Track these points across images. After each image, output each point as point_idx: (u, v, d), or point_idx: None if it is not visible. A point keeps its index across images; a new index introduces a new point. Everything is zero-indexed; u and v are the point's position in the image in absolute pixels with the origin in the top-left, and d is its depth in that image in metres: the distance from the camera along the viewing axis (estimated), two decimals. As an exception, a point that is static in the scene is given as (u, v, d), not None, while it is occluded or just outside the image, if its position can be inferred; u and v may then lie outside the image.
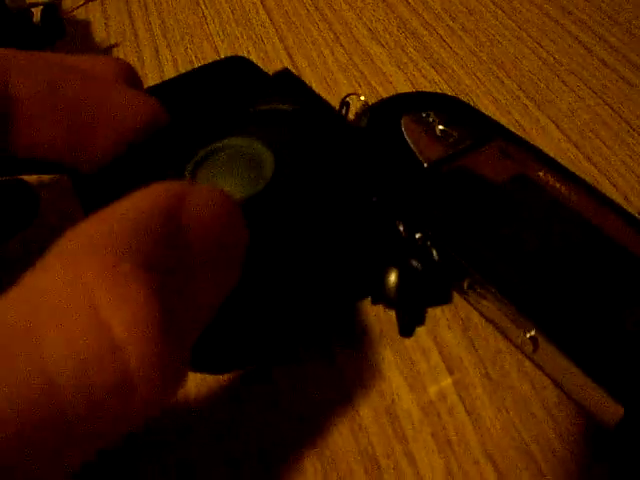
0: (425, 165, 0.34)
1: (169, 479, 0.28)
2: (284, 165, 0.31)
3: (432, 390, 0.31)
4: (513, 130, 0.40)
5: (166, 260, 0.18)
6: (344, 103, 0.38)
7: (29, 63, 0.27)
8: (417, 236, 0.32)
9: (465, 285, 0.31)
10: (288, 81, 0.38)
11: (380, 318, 0.33)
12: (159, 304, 0.17)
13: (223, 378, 0.32)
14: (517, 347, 0.30)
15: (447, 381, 0.31)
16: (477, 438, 0.29)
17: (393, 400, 0.30)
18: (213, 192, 0.22)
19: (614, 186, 0.39)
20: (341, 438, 0.29)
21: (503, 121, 0.41)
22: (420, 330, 0.33)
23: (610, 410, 0.26)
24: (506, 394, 0.30)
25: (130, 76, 0.31)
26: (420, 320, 0.33)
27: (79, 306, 0.16)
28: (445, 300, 0.34)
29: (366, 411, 0.30)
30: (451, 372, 0.31)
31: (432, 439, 0.29)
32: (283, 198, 0.29)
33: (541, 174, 0.33)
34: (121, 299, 0.16)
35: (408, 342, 0.32)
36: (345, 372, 0.32)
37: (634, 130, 0.43)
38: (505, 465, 0.28)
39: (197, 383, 0.31)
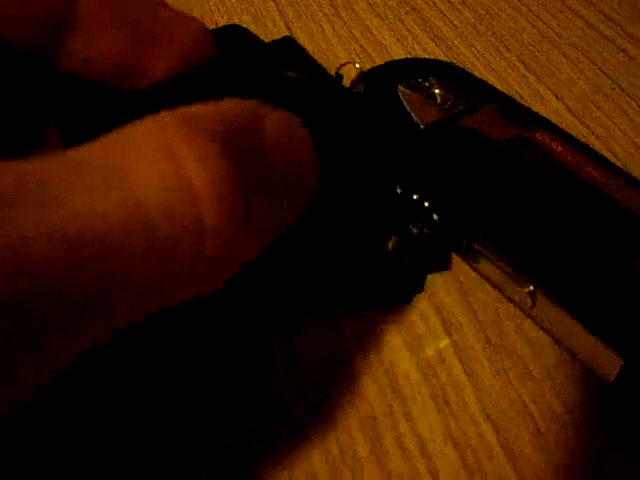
0: (421, 127, 0.34)
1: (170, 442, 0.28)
2: None
3: (430, 352, 0.31)
4: (512, 99, 0.40)
5: (248, 160, 0.19)
6: (339, 74, 0.38)
7: None
8: (415, 197, 0.32)
9: (463, 244, 0.31)
10: (289, 49, 0.38)
11: (379, 282, 0.33)
12: (239, 179, 0.18)
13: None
14: (515, 304, 0.30)
15: (446, 343, 0.31)
16: (476, 399, 0.29)
17: (391, 362, 0.31)
18: (291, 118, 0.23)
19: (613, 154, 0.39)
20: (339, 400, 0.30)
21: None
22: (419, 295, 0.33)
23: (609, 362, 0.26)
24: (505, 356, 0.30)
25: None
26: (420, 286, 0.33)
27: (165, 156, 0.17)
28: (444, 267, 0.34)
29: (364, 372, 0.30)
30: (450, 335, 0.31)
31: (430, 400, 0.29)
32: None
33: (538, 135, 0.33)
34: (204, 162, 0.18)
35: (407, 305, 0.32)
36: (344, 333, 0.31)
37: (633, 100, 0.43)
38: (504, 425, 0.28)
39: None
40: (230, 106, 0.21)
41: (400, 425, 0.29)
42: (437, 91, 0.35)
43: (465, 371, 0.30)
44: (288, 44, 0.38)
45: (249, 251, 0.20)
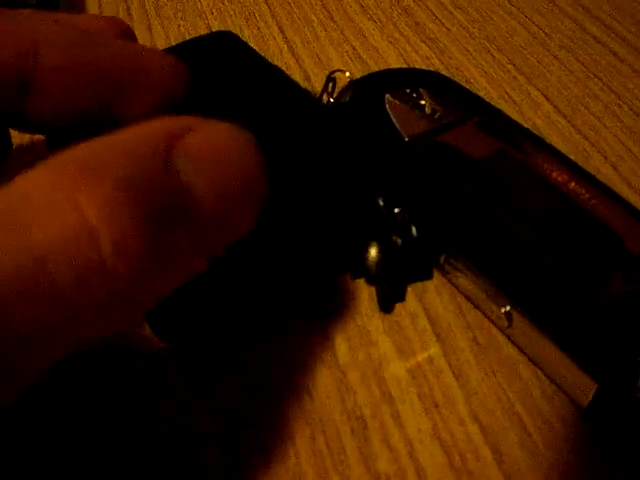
0: (406, 139, 0.34)
1: (160, 438, 0.29)
2: (264, 150, 0.31)
3: (419, 354, 0.31)
4: (504, 103, 0.41)
5: (154, 191, 0.18)
6: (330, 79, 0.38)
7: (57, 31, 0.26)
8: (396, 211, 0.32)
9: (442, 259, 0.31)
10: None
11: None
12: (143, 217, 0.18)
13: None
14: (493, 322, 0.30)
15: (434, 345, 0.31)
16: (464, 400, 0.29)
17: (380, 363, 0.31)
18: (227, 128, 0.22)
19: (604, 157, 0.39)
20: (328, 400, 0.30)
21: (494, 94, 0.42)
22: (409, 295, 0.33)
23: (584, 386, 0.26)
24: (493, 357, 0.30)
25: (129, 34, 0.31)
26: (401, 296, 0.33)
27: (63, 209, 0.17)
28: (426, 276, 0.34)
29: (353, 373, 0.30)
30: (439, 336, 0.31)
31: (419, 401, 0.29)
32: None
33: (523, 150, 0.33)
34: (104, 209, 0.17)
35: (396, 307, 0.33)
36: (333, 336, 0.32)
37: (623, 102, 0.43)
38: (491, 425, 0.28)
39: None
40: (133, 134, 0.20)
41: (388, 426, 0.29)
42: (424, 102, 0.35)
43: (453, 372, 0.30)
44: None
45: (170, 281, 0.20)
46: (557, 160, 0.32)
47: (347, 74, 0.38)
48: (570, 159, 0.32)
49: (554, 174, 0.31)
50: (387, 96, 0.36)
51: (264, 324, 0.32)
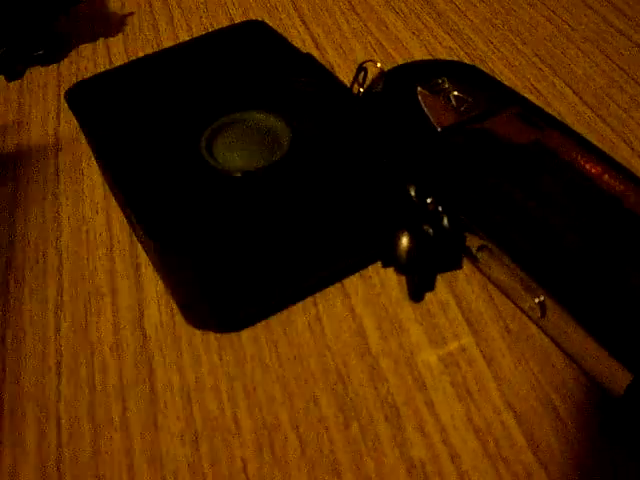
0: (438, 130, 0.34)
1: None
2: (300, 140, 0.31)
3: (451, 342, 0.31)
4: (529, 95, 0.41)
5: None
6: (361, 69, 0.38)
7: None
8: (428, 201, 0.32)
9: (474, 250, 0.31)
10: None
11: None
12: None
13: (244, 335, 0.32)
14: (525, 313, 0.30)
15: (466, 333, 0.31)
16: (497, 387, 0.29)
17: (412, 351, 0.31)
18: None
19: (630, 147, 0.39)
20: (362, 387, 0.30)
21: (519, 86, 0.42)
22: (439, 284, 0.33)
23: (618, 377, 0.26)
24: (525, 345, 0.30)
25: None
26: (430, 285, 0.33)
27: None
28: (455, 266, 0.34)
29: (386, 361, 0.30)
30: (470, 325, 0.31)
31: (452, 388, 0.29)
32: (298, 168, 0.30)
33: (555, 141, 0.33)
34: None
35: (427, 296, 0.33)
36: (365, 324, 0.32)
37: (649, 94, 0.43)
38: (525, 413, 0.28)
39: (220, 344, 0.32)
40: None
41: (421, 413, 0.29)
42: (456, 93, 0.35)
43: (486, 360, 0.30)
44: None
45: None
46: (590, 152, 0.32)
47: (378, 65, 0.38)
48: (603, 151, 0.32)
49: (587, 165, 0.31)
50: (418, 87, 0.36)
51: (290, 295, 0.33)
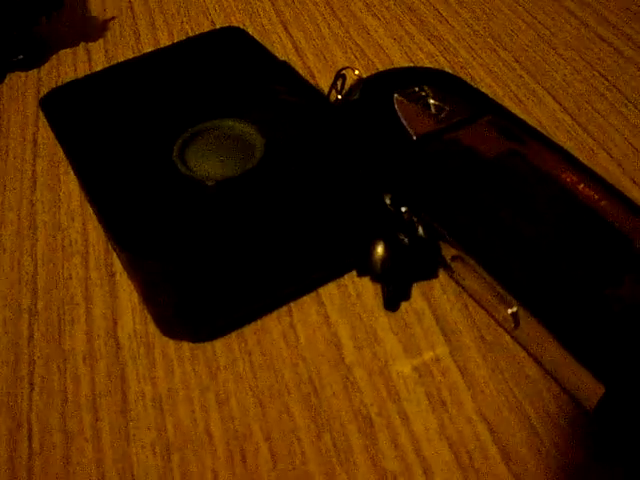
0: (414, 138, 0.34)
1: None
2: (273, 147, 0.31)
3: (426, 352, 0.31)
4: (509, 102, 0.40)
5: None
6: (339, 76, 0.38)
7: None
8: (403, 210, 0.32)
9: (449, 260, 0.31)
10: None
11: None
12: None
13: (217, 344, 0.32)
14: (499, 323, 0.30)
15: (441, 343, 0.31)
16: (471, 398, 0.29)
17: (387, 361, 0.31)
18: None
19: (609, 155, 0.39)
20: (335, 398, 0.29)
21: (499, 92, 0.42)
22: (415, 293, 0.33)
23: (591, 389, 0.26)
24: (500, 355, 0.30)
25: None
26: (405, 294, 0.33)
27: None
28: (431, 275, 0.34)
29: (360, 372, 0.30)
30: (445, 334, 0.31)
31: (426, 399, 0.29)
32: (272, 176, 0.30)
33: (532, 150, 0.33)
34: None
35: (403, 305, 0.32)
36: (339, 334, 0.32)
37: (629, 101, 0.43)
38: (499, 424, 0.28)
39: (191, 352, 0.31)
40: None
41: (395, 424, 0.29)
42: (433, 101, 0.35)
43: (460, 371, 0.30)
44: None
45: None
46: (566, 161, 0.32)
47: (356, 72, 0.37)
48: (579, 160, 0.32)
49: (563, 175, 0.31)
50: (395, 95, 0.36)
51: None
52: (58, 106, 0.35)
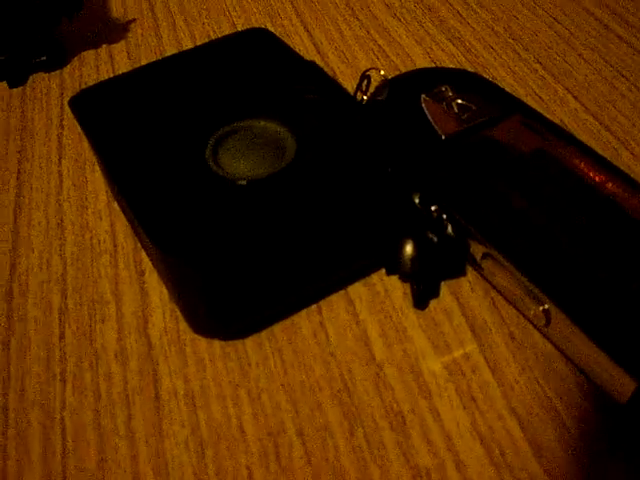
0: (443, 138, 0.34)
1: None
2: (305, 148, 0.31)
3: (455, 349, 0.31)
4: (531, 101, 0.41)
5: None
6: (365, 77, 0.38)
7: None
8: (433, 208, 0.32)
9: (478, 258, 0.31)
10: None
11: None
12: None
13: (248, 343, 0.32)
14: (529, 321, 0.30)
15: (470, 340, 0.31)
16: (501, 394, 0.29)
17: (417, 359, 0.31)
18: None
19: (632, 154, 0.39)
20: (366, 395, 0.30)
21: (521, 92, 0.42)
22: (444, 292, 0.33)
23: (623, 385, 0.26)
24: (529, 352, 0.31)
25: None
26: (434, 292, 0.33)
27: None
28: (459, 273, 0.34)
29: (390, 369, 0.30)
30: (474, 332, 0.31)
31: (457, 396, 0.30)
32: (303, 176, 0.30)
33: (559, 149, 0.33)
34: None
35: (431, 303, 0.33)
36: (369, 332, 0.32)
37: (651, 101, 0.43)
38: (529, 420, 0.28)
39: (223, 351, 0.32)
40: None
41: (427, 420, 0.29)
42: (460, 101, 0.36)
43: (490, 368, 0.30)
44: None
45: None
46: (593, 159, 0.32)
47: (382, 72, 0.38)
48: (605, 158, 0.32)
49: (591, 173, 0.31)
50: (423, 95, 0.36)
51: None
52: (88, 106, 0.36)
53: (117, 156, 0.32)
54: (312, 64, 0.36)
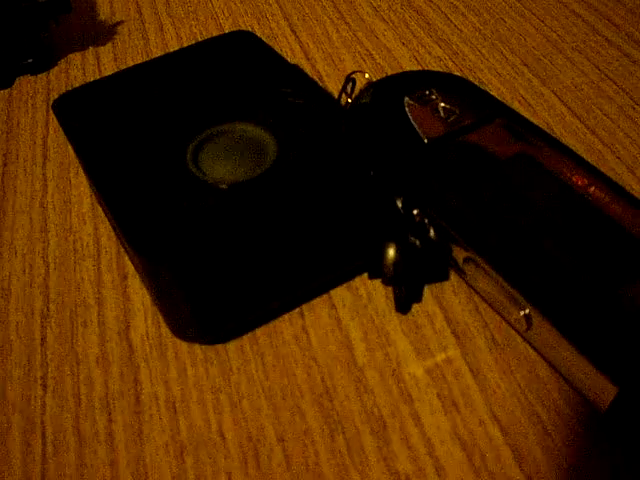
0: (425, 141, 0.34)
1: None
2: (287, 151, 0.31)
3: (437, 354, 0.31)
4: (517, 104, 0.41)
5: None
6: (349, 79, 0.38)
7: None
8: (415, 212, 0.32)
9: (460, 262, 0.31)
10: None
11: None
12: None
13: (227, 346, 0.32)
14: (511, 325, 0.30)
15: (452, 345, 0.31)
16: (483, 399, 0.29)
17: (399, 363, 0.31)
18: None
19: (618, 158, 0.39)
20: (347, 400, 0.30)
21: (507, 96, 0.42)
22: (426, 296, 0.33)
23: (604, 390, 0.26)
24: (511, 357, 0.30)
25: None
26: (417, 297, 0.33)
27: None
28: (442, 277, 0.34)
29: (372, 373, 0.30)
30: (456, 336, 0.31)
31: (438, 400, 0.29)
32: (284, 180, 0.30)
33: (542, 153, 0.33)
34: None
35: (414, 307, 0.33)
36: (351, 336, 0.32)
37: (637, 104, 0.43)
38: (511, 425, 0.28)
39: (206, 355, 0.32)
40: None
41: (407, 425, 0.29)
42: (443, 105, 0.35)
43: (472, 372, 0.30)
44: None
45: None
46: (577, 164, 0.32)
47: (366, 75, 0.38)
48: (589, 163, 0.32)
49: (574, 177, 0.31)
50: (406, 98, 0.36)
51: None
52: (70, 110, 0.36)
53: (99, 160, 0.32)
54: (295, 67, 0.36)
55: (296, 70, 0.36)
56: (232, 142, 0.33)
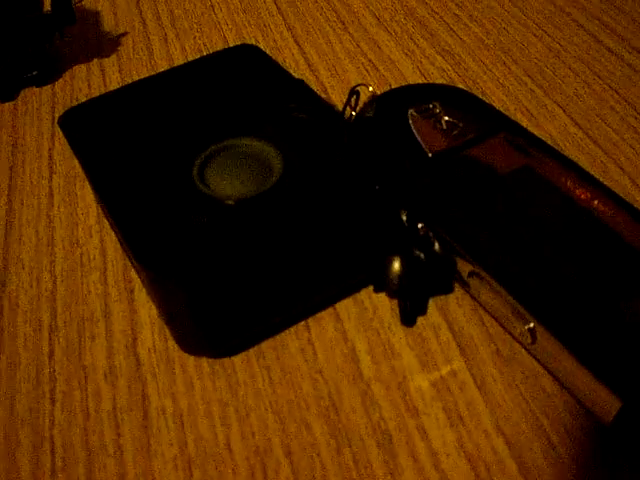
0: (429, 155, 0.34)
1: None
2: (293, 166, 0.31)
3: (443, 366, 0.31)
4: (520, 115, 0.41)
5: None
6: (354, 92, 0.38)
7: None
8: (419, 226, 0.32)
9: (465, 275, 0.31)
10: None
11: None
12: None
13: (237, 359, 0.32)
14: (515, 339, 0.30)
15: (457, 357, 0.31)
16: (488, 412, 0.29)
17: (404, 376, 0.31)
18: None
19: (621, 168, 0.39)
20: (353, 413, 0.30)
21: (510, 107, 0.42)
22: (431, 308, 0.33)
23: (608, 404, 0.26)
24: (516, 370, 0.31)
25: None
26: (422, 309, 0.33)
27: None
28: (447, 290, 0.34)
29: (378, 387, 0.31)
30: (462, 349, 0.32)
31: (443, 413, 0.30)
32: (289, 195, 0.30)
33: (546, 166, 0.33)
34: None
35: (419, 320, 0.33)
36: (357, 349, 0.32)
37: (639, 114, 0.43)
38: (516, 438, 0.29)
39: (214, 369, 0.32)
40: None
41: (413, 438, 0.29)
42: (447, 118, 0.36)
43: (477, 385, 0.30)
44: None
45: None
46: (580, 177, 0.32)
47: (370, 88, 0.38)
48: (592, 176, 0.33)
49: (577, 191, 0.31)
50: (410, 111, 0.36)
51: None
52: (76, 125, 0.36)
53: (105, 175, 0.32)
54: (300, 82, 0.36)
55: (301, 85, 0.36)
56: (238, 157, 0.33)
